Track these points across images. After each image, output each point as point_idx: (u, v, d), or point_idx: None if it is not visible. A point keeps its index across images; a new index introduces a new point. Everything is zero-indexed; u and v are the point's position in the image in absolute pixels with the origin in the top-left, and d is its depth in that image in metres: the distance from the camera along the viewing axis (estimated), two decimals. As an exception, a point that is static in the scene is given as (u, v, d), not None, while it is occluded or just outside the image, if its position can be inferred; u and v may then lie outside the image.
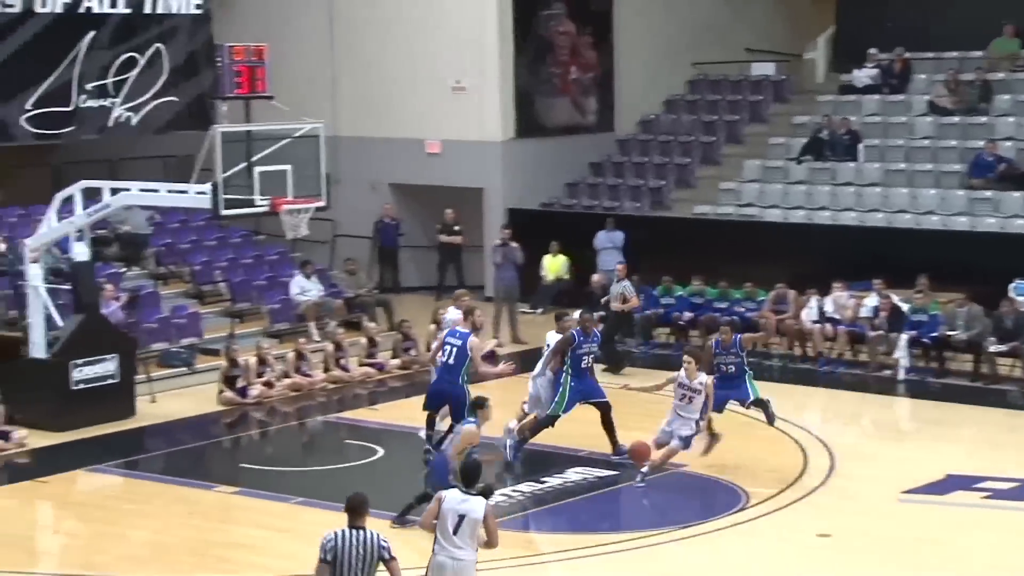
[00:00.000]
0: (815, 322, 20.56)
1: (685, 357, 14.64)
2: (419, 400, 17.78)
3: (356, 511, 9.16)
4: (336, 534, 9.09)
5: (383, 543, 9.13)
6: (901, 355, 19.54)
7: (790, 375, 20.04)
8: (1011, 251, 20.66)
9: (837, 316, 20.56)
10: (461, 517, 9.74)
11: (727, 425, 17.06)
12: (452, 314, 17.21)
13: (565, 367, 15.51)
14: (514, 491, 14.60)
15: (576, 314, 16.17)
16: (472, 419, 13.01)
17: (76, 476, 15.58)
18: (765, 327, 20.42)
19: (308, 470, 16.01)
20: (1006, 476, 14.96)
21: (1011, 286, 20.02)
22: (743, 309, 21.37)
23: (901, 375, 19.53)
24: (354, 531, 9.10)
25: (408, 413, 17.64)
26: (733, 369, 15.14)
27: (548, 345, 15.86)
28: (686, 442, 14.47)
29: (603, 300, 21.17)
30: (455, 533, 9.73)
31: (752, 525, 13.59)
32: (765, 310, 21.07)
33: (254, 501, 14.47)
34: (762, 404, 15.23)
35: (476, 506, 9.78)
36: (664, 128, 27.12)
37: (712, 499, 14.41)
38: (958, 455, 16.00)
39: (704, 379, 14.44)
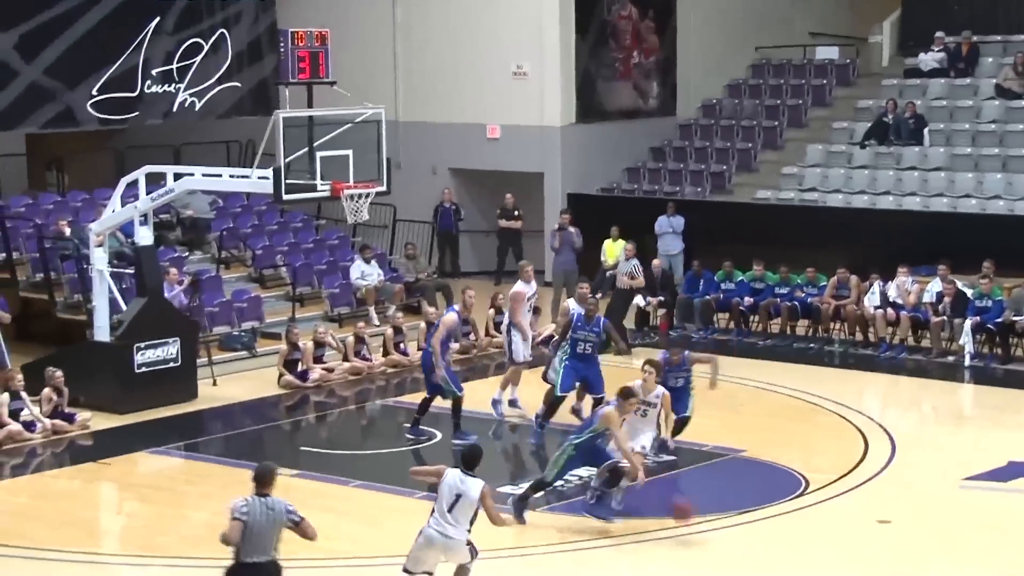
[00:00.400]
0: (877, 308, 20.37)
1: (645, 368, 14.15)
2: (478, 384, 17.94)
3: (262, 480, 9.59)
4: (247, 500, 9.51)
5: (288, 508, 9.57)
6: (965, 341, 19.32)
7: (851, 361, 19.90)
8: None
9: (899, 301, 20.36)
10: (458, 496, 10.32)
11: (787, 409, 17.02)
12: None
13: (563, 346, 15.76)
14: (572, 475, 14.58)
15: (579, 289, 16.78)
16: (612, 402, 13.05)
17: (138, 458, 15.76)
18: (825, 313, 20.28)
19: (367, 453, 16.10)
20: (1070, 464, 14.79)
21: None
22: (803, 294, 21.23)
23: (965, 361, 19.31)
24: (261, 498, 9.52)
25: (468, 397, 17.68)
26: (681, 383, 14.94)
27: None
28: (649, 449, 14.25)
29: (608, 273, 21.29)
30: (449, 511, 10.32)
31: (811, 511, 13.51)
32: (826, 295, 20.91)
33: (313, 484, 14.56)
34: (682, 423, 15.00)
35: (473, 488, 10.36)
36: (726, 113, 26.97)
37: (771, 485, 14.31)
38: (1021, 442, 15.81)
39: (660, 391, 14.11)
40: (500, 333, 18.65)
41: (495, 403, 16.75)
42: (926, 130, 24.16)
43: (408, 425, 16.17)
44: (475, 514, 10.44)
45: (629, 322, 21.07)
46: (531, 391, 16.76)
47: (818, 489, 14.05)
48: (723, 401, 16.43)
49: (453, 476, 10.42)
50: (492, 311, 20.81)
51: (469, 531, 10.44)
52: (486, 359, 20.12)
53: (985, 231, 21.33)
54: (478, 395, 16.92)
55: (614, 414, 12.70)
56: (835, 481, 14.29)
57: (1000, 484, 14.30)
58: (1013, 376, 18.81)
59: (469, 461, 10.52)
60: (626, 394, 12.97)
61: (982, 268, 20.15)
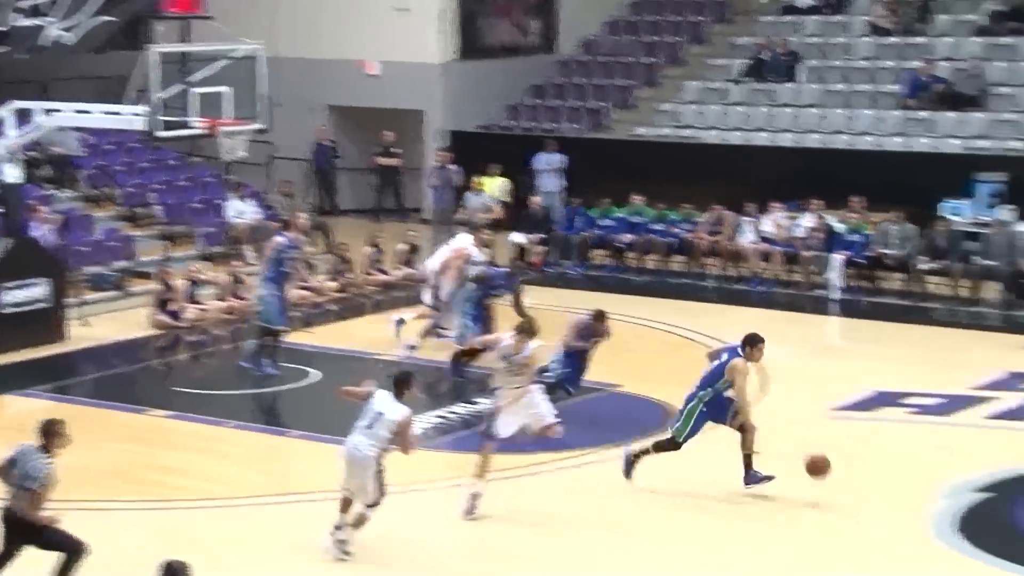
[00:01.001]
0: (750, 243, 20.67)
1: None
2: (355, 322, 17.90)
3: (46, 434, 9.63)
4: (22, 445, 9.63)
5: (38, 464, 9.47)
6: (834, 274, 19.72)
7: (725, 295, 20.18)
8: (943, 170, 20.81)
9: (772, 237, 20.68)
10: (379, 415, 10.49)
11: (662, 344, 17.22)
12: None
13: (467, 297, 15.91)
14: (449, 412, 14.64)
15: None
16: (740, 352, 12.17)
17: (4, 400, 15.45)
18: (699, 248, 20.53)
19: (243, 393, 15.99)
20: (932, 392, 15.19)
21: (941, 205, 20.23)
22: (679, 230, 21.46)
23: (834, 294, 19.71)
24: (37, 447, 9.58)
25: (344, 335, 17.63)
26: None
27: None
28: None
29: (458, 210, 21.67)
30: (368, 428, 10.50)
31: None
32: (701, 231, 21.15)
33: (187, 425, 14.42)
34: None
35: (395, 412, 10.48)
36: (605, 49, 27.00)
37: (643, 417, 14.47)
38: (887, 372, 16.20)
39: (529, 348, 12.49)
40: (377, 273, 18.61)
41: (411, 348, 16.50)
42: (799, 67, 24.44)
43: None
44: (392, 441, 10.48)
45: (504, 260, 21.10)
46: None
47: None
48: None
49: (381, 397, 10.61)
50: (370, 249, 20.72)
51: (381, 456, 10.48)
52: (362, 297, 20.07)
53: (855, 167, 21.69)
54: (356, 333, 16.88)
55: (742, 364, 12.12)
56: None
57: (866, 413, 14.66)
58: (880, 308, 19.27)
59: (399, 385, 10.64)
60: (752, 341, 12.22)
61: (851, 203, 20.54)
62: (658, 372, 16.08)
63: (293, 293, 19.66)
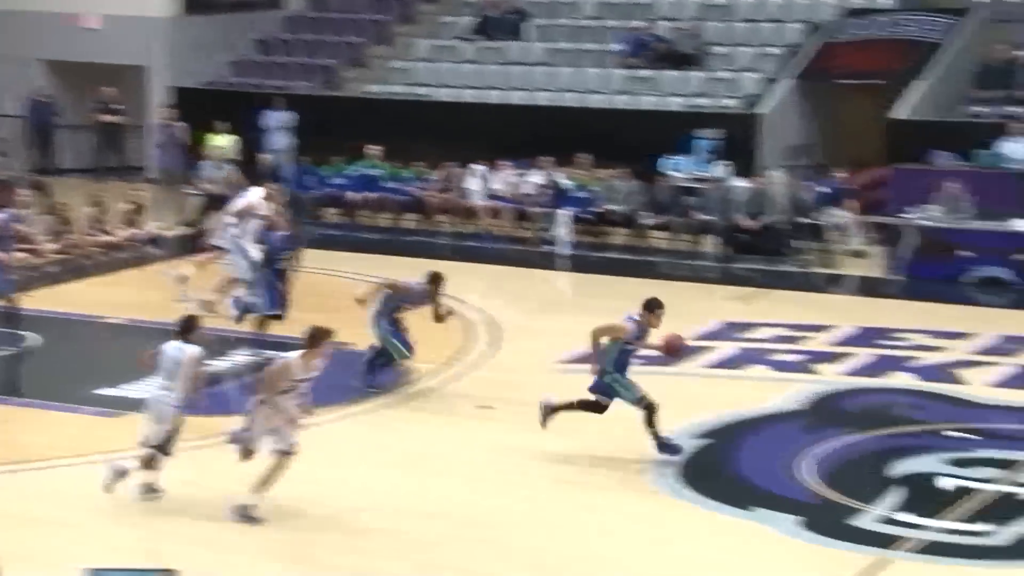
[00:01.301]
0: (481, 200, 20.89)
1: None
2: (76, 285, 17.30)
3: None
4: None
5: None
6: (562, 230, 20.13)
7: (457, 252, 20.34)
8: (665, 128, 21.45)
9: (502, 194, 20.95)
10: (177, 364, 10.65)
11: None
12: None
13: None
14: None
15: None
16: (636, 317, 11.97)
17: None
18: (432, 205, 20.63)
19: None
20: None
21: (662, 161, 20.88)
22: (412, 188, 21.50)
23: (563, 250, 20.12)
24: None
25: (65, 299, 17.02)
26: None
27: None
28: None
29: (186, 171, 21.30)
30: (170, 379, 10.65)
31: (417, 399, 13.78)
32: (433, 188, 21.25)
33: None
34: None
35: (179, 353, 10.69)
36: (336, 6, 26.72)
37: (376, 375, 14.46)
38: (613, 325, 16.62)
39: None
40: (99, 233, 18.01)
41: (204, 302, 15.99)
42: (526, 25, 24.74)
43: None
44: (189, 384, 10.61)
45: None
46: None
47: (422, 378, 14.34)
48: (332, 298, 16.48)
49: (171, 347, 10.69)
50: (91, 209, 20.05)
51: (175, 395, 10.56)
52: (84, 259, 19.42)
53: (581, 124, 22.13)
54: (78, 296, 16.32)
55: (627, 324, 11.97)
56: (439, 369, 14.62)
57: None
58: (606, 263, 19.78)
59: (185, 329, 10.78)
60: (650, 306, 12.00)
61: (578, 160, 20.97)
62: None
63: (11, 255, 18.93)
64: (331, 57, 25.54)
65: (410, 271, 18.57)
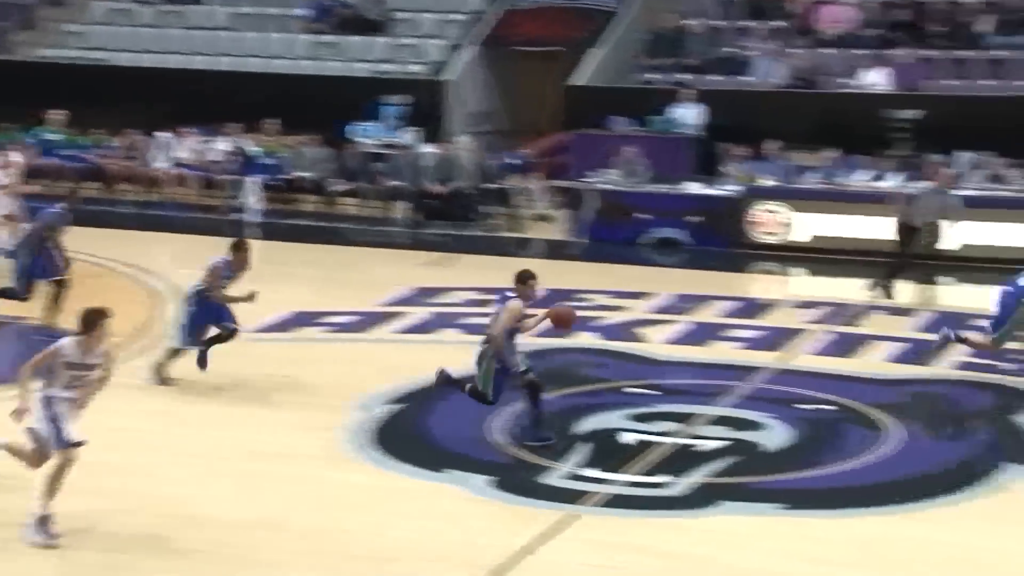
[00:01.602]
0: (166, 168, 20.46)
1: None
2: None
3: None
4: None
5: None
6: (251, 198, 19.94)
7: (143, 222, 19.89)
8: (353, 94, 21.52)
9: (188, 161, 20.57)
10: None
11: (76, 274, 16.73)
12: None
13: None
14: None
15: None
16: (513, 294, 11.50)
17: None
18: (114, 173, 20.07)
19: None
20: (348, 310, 15.78)
21: (350, 127, 20.96)
22: (92, 155, 20.86)
23: (252, 217, 19.94)
24: None
25: None
26: None
27: None
28: None
29: None
30: None
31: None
32: (115, 156, 20.68)
33: None
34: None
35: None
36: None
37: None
38: (305, 293, 16.64)
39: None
40: None
41: None
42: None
43: None
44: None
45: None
46: None
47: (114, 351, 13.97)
48: None
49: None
50: None
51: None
52: None
53: (267, 90, 21.95)
54: None
55: (515, 304, 11.43)
56: (126, 342, 14.31)
57: (286, 333, 15.01)
58: (297, 230, 19.73)
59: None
60: (522, 278, 11.48)
61: (265, 126, 20.80)
62: (72, 302, 15.64)
63: None
64: (1, 19, 24.43)
65: (94, 242, 18.20)
